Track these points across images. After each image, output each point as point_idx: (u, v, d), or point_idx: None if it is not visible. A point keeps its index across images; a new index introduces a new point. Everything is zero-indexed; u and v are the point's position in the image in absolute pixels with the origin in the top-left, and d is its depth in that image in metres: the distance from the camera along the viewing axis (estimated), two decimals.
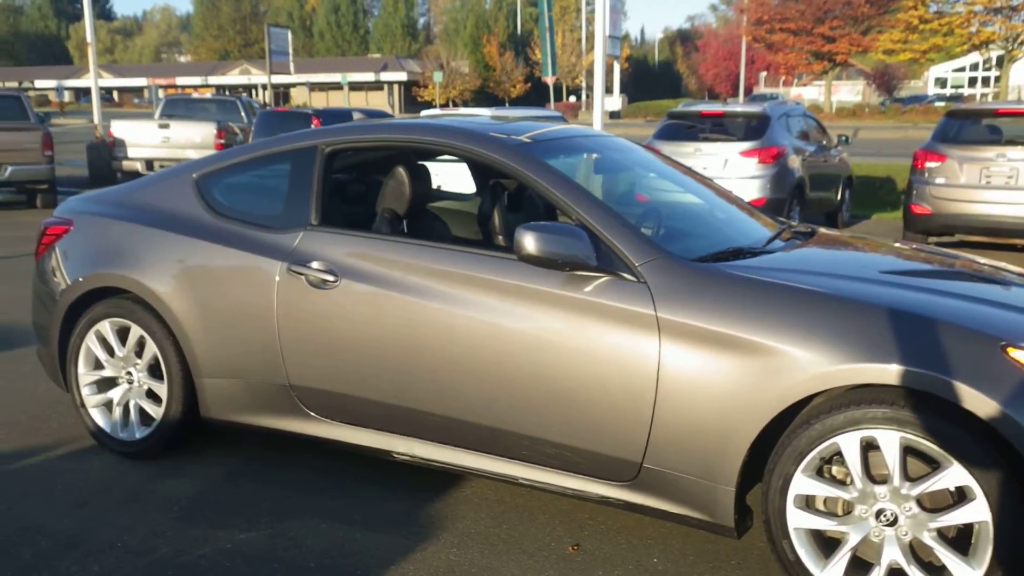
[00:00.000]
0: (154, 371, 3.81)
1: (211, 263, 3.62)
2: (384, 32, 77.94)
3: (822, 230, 3.88)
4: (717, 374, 2.75)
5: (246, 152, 3.84)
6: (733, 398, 2.73)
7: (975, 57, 56.25)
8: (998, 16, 39.45)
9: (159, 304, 3.66)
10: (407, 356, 3.23)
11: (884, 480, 2.63)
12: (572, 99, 49.32)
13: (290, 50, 37.98)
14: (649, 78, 78.62)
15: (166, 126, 15.04)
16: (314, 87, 58.93)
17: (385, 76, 65.13)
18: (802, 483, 2.71)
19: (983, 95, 65.54)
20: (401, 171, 3.64)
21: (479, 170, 4.72)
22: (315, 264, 3.39)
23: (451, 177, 6.62)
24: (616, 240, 2.98)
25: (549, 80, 23.01)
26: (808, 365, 2.63)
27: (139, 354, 3.83)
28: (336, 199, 3.88)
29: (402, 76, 64.73)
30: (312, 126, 12.96)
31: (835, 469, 2.74)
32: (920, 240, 9.61)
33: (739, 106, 11.28)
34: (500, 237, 4.24)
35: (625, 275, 2.93)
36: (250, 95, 31.06)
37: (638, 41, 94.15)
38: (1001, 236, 9.33)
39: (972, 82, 70.83)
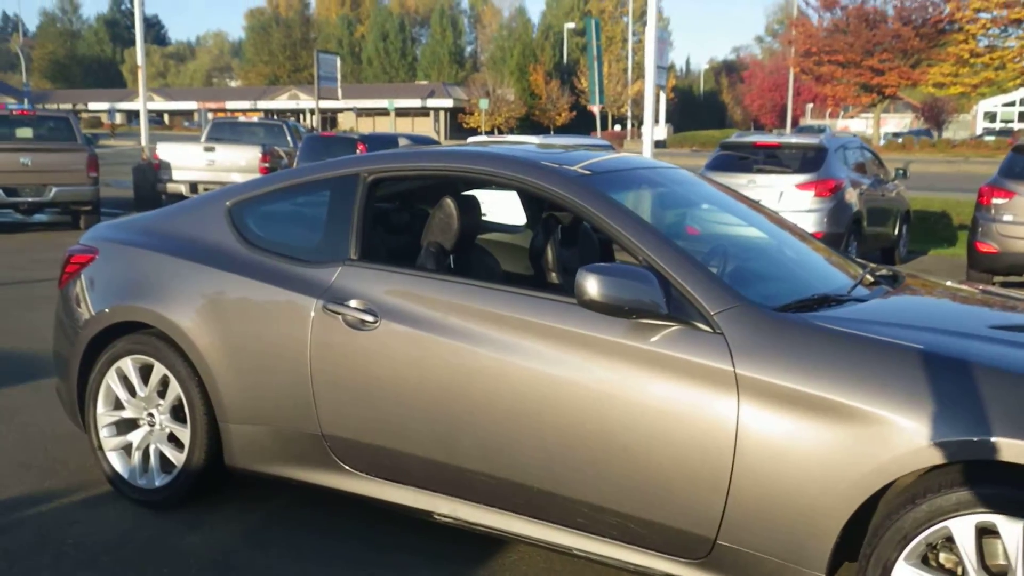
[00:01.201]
0: (177, 414, 3.53)
1: (241, 298, 3.34)
2: (431, 59, 78.59)
3: (907, 274, 3.50)
4: (806, 441, 2.40)
5: (283, 179, 3.57)
6: (824, 470, 2.37)
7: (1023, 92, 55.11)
8: None
9: (184, 341, 3.38)
10: (453, 408, 2.90)
11: (1002, 573, 2.25)
12: (617, 128, 49.11)
13: (338, 76, 38.24)
14: (694, 108, 78.25)
15: (211, 149, 15.01)
16: (361, 112, 59.45)
17: (431, 103, 65.56)
18: (905, 572, 2.34)
19: None
20: (449, 202, 3.33)
21: (531, 201, 4.41)
22: (353, 303, 3.09)
23: (496, 206, 6.33)
24: (689, 285, 2.64)
25: (596, 109, 22.77)
26: (917, 435, 2.28)
27: (162, 395, 3.55)
28: (377, 231, 3.58)
29: (448, 103, 65.11)
30: (358, 151, 12.81)
31: (943, 556, 2.37)
32: (985, 280, 9.13)
33: (795, 137, 10.89)
34: (553, 274, 3.93)
35: (699, 325, 2.59)
36: (298, 120, 31.25)
37: (683, 72, 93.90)
38: None
39: (1022, 116, 69.32)
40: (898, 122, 66.28)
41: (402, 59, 79.67)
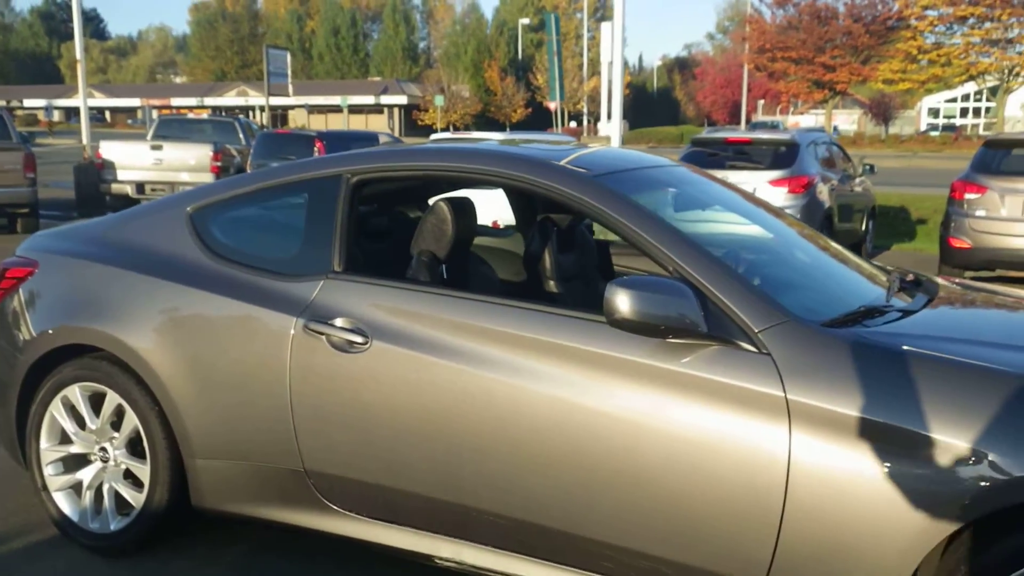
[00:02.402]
0: (135, 448, 3.11)
1: (207, 317, 2.93)
2: (384, 55, 77.58)
3: (937, 279, 3.22)
4: (870, 476, 2.10)
5: (252, 181, 3.16)
6: (893, 509, 2.06)
7: (966, 88, 56.39)
8: (995, 48, 39.46)
9: (142, 366, 2.97)
10: (457, 439, 2.55)
11: None
12: (573, 124, 48.91)
13: (289, 72, 37.50)
14: (648, 105, 78.48)
15: (159, 147, 14.34)
16: (313, 109, 58.49)
17: (385, 99, 64.71)
18: None
19: (974, 125, 65.64)
20: (443, 207, 2.97)
21: (522, 203, 4.05)
22: (339, 321, 2.71)
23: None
24: (728, 298, 2.32)
25: (554, 105, 22.50)
26: (1009, 467, 1.99)
27: (116, 427, 3.13)
28: (361, 239, 3.20)
29: (402, 99, 64.33)
30: (315, 149, 12.32)
31: None
32: (957, 275, 9.04)
33: (767, 133, 10.71)
34: (551, 283, 3.58)
35: (742, 344, 2.28)
36: (248, 117, 30.40)
37: (636, 68, 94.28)
38: None
39: (964, 112, 70.96)
40: (846, 118, 67.26)
41: (354, 55, 78.51)
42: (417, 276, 2.92)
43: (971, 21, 39.16)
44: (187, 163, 14.14)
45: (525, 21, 69.12)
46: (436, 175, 2.94)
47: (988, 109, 64.46)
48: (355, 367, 2.67)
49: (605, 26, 13.83)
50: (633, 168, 2.97)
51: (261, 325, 2.83)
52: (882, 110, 60.90)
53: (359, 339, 2.67)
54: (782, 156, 9.76)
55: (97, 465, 3.19)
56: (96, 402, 3.15)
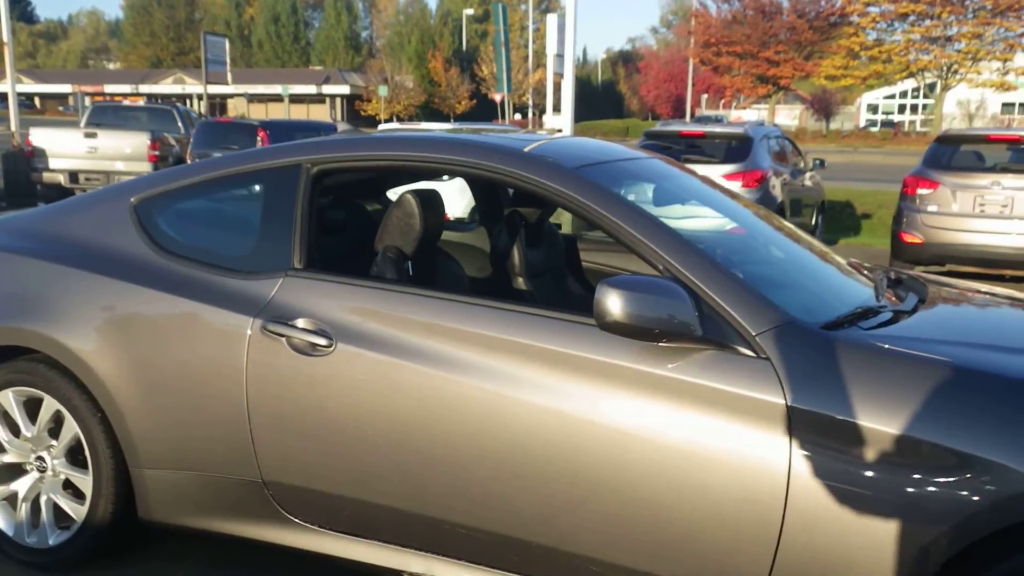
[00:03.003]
0: (75, 457, 2.88)
1: (155, 317, 2.72)
2: (326, 44, 76.30)
3: (922, 276, 3.15)
4: (878, 489, 1.98)
5: (202, 171, 2.94)
6: (901, 523, 1.97)
7: (904, 85, 57.81)
8: (934, 45, 40.45)
9: (82, 369, 2.74)
10: (429, 449, 2.39)
11: None
12: (518, 116, 48.77)
13: (227, 59, 36.55)
14: (593, 98, 78.66)
15: (93, 135, 13.78)
16: (253, 98, 57.26)
17: (327, 89, 63.68)
18: None
19: (911, 122, 67.35)
20: (410, 199, 2.79)
21: (486, 196, 3.90)
22: (300, 322, 2.53)
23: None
24: (723, 299, 2.19)
25: (500, 96, 22.31)
26: None
27: (55, 434, 2.90)
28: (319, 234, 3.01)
29: (345, 89, 63.37)
30: (258, 139, 11.96)
31: None
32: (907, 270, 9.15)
33: (720, 126, 10.71)
34: (520, 279, 3.44)
35: (739, 348, 2.15)
36: (185, 105, 29.50)
37: (580, 62, 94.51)
38: (995, 267, 8.94)
39: (902, 109, 72.78)
40: (788, 113, 68.37)
41: (295, 43, 77.05)
42: (383, 273, 2.74)
43: (911, 18, 40.05)
44: (123, 152, 13.62)
45: (469, 12, 68.69)
46: (404, 165, 2.75)
47: (925, 106, 66.19)
48: (318, 371, 2.49)
49: (551, 18, 13.75)
50: (610, 160, 2.83)
51: (214, 326, 2.63)
52: (823, 106, 62.08)
53: (322, 341, 2.49)
54: (735, 150, 9.75)
55: (33, 475, 2.95)
56: (32, 408, 2.91)
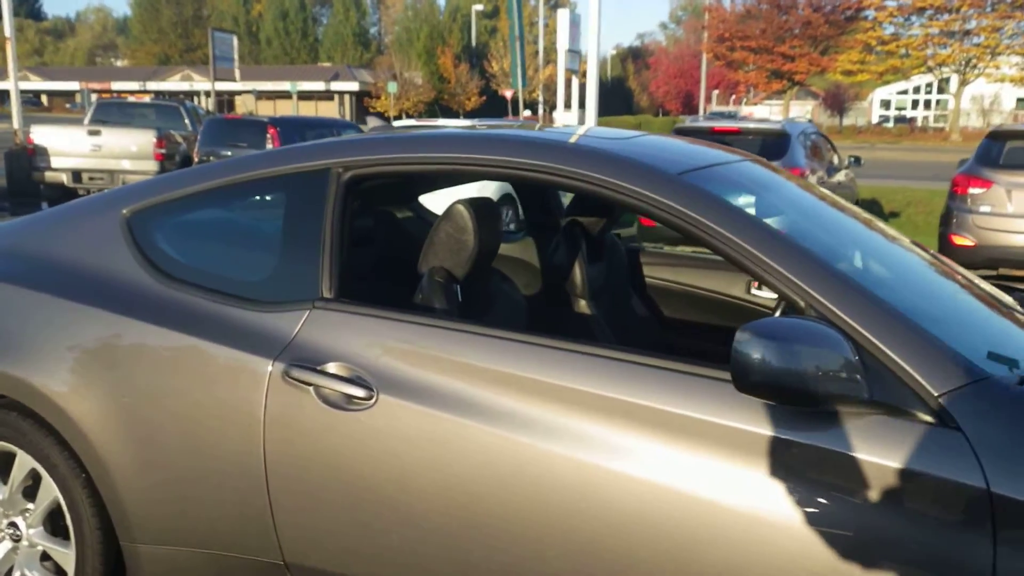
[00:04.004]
0: (55, 525, 2.37)
1: (151, 358, 2.20)
2: (335, 40, 75.70)
3: None
4: None
5: (208, 177, 2.42)
6: None
7: (917, 80, 57.14)
8: (953, 40, 39.81)
9: (62, 421, 2.23)
10: (497, 532, 1.87)
11: None
12: (528, 112, 48.21)
13: (236, 56, 36.15)
14: (602, 94, 77.39)
15: (97, 132, 13.27)
16: (261, 95, 56.67)
17: (336, 86, 63.07)
18: None
19: (924, 117, 66.60)
20: (463, 211, 2.27)
21: (536, 201, 3.38)
22: (332, 367, 2.01)
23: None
24: (891, 346, 1.66)
25: (511, 93, 21.80)
26: None
27: (30, 496, 2.39)
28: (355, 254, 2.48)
29: (353, 86, 62.76)
30: (267, 137, 11.45)
31: None
32: None
33: (754, 123, 10.19)
34: (582, 302, 2.92)
35: (916, 413, 1.62)
36: (193, 102, 28.97)
37: (587, 58, 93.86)
38: None
39: (915, 104, 71.95)
40: (800, 109, 67.68)
41: (303, 40, 76.48)
42: (430, 302, 2.22)
43: (929, 12, 39.41)
44: (128, 150, 13.12)
45: (479, 7, 67.99)
46: (460, 169, 2.21)
47: (939, 101, 65.41)
48: (355, 429, 1.97)
49: (561, 13, 13.39)
50: (710, 164, 2.28)
51: (224, 371, 2.11)
52: (836, 101, 61.35)
53: (360, 392, 1.97)
54: (772, 147, 9.24)
55: (6, 545, 2.44)
56: (4, 465, 2.40)
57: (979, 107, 59.08)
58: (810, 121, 11.97)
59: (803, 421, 1.66)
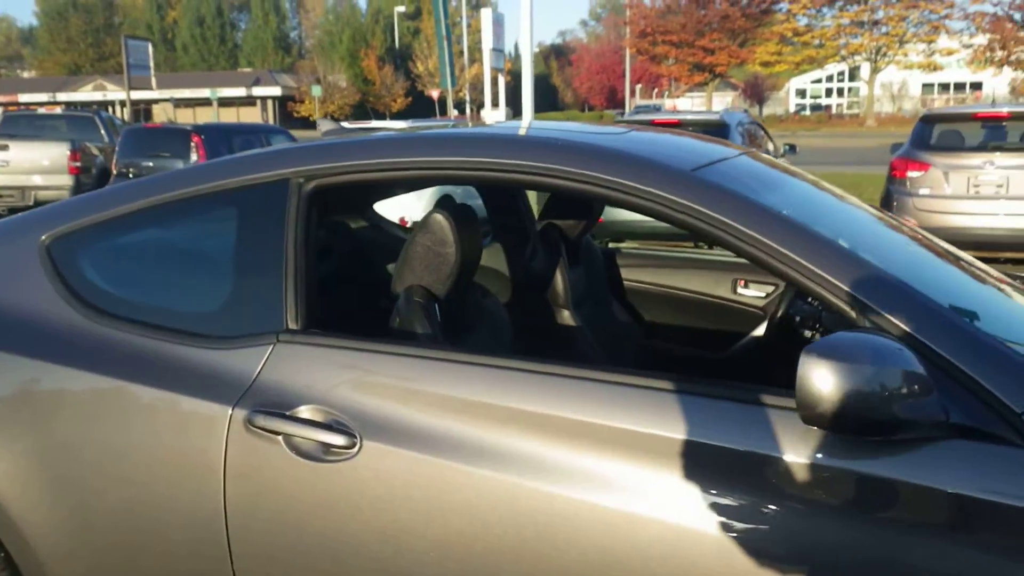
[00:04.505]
0: None
1: (82, 409, 1.88)
2: (254, 45, 73.99)
3: None
4: None
5: (143, 193, 2.08)
6: None
7: (830, 69, 58.76)
8: (863, 29, 41.01)
9: None
10: None
11: None
12: (455, 113, 47.87)
13: (151, 64, 35.07)
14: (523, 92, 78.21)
15: (5, 147, 12.48)
16: (180, 103, 55.01)
17: (258, 91, 61.68)
18: None
19: (838, 105, 68.46)
20: (442, 220, 1.99)
21: (503, 202, 3.12)
22: (305, 411, 1.72)
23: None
24: (966, 362, 1.45)
25: (438, 93, 21.50)
26: None
27: None
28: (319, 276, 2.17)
29: (276, 91, 61.46)
30: (192, 145, 10.91)
31: None
32: None
33: (692, 114, 10.11)
34: (566, 312, 2.68)
35: (997, 432, 1.41)
36: (109, 112, 27.81)
37: (512, 55, 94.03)
38: (992, 250, 8.49)
39: (829, 92, 73.84)
40: (720, 100, 68.88)
41: (221, 45, 74.56)
42: (410, 325, 1.94)
43: (840, 3, 40.51)
44: (40, 164, 12.39)
45: (401, 9, 67.33)
46: (441, 173, 1.92)
47: (851, 89, 67.28)
48: (336, 484, 1.68)
49: (485, 12, 13.30)
50: (718, 159, 2.04)
51: (174, 423, 1.80)
52: (756, 92, 62.54)
53: (341, 440, 1.68)
54: (711, 136, 9.18)
55: None
56: None
57: (889, 93, 60.95)
58: (745, 111, 11.96)
59: (857, 447, 1.44)
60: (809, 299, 2.67)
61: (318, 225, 2.79)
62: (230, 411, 1.76)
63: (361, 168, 1.91)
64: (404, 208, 9.71)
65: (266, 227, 1.90)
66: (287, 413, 1.73)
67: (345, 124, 10.58)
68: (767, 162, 2.34)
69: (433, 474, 1.63)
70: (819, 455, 1.45)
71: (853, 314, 1.52)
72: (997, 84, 48.66)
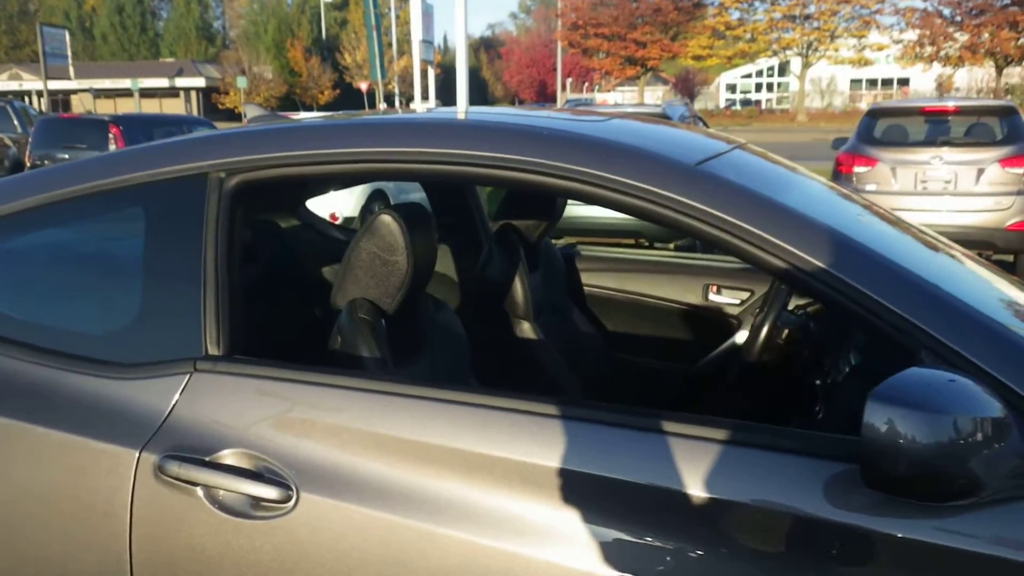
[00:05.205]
0: None
1: None
2: (176, 35, 71.71)
3: None
4: None
5: (26, 190, 1.74)
6: None
7: (760, 64, 59.73)
8: (795, 24, 41.74)
9: None
10: None
11: None
12: (384, 105, 47.18)
13: (69, 53, 33.74)
14: (456, 84, 77.70)
15: None
16: (99, 94, 52.99)
17: (181, 82, 59.79)
18: None
19: (767, 100, 69.67)
20: (391, 223, 1.70)
21: (451, 199, 2.84)
22: (228, 456, 1.42)
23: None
24: None
25: (367, 85, 20.99)
26: None
27: None
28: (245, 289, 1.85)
29: (200, 82, 59.67)
30: (110, 136, 10.31)
31: None
32: None
33: (634, 108, 9.97)
34: (525, 324, 2.42)
35: None
36: (24, 102, 26.51)
37: (442, 48, 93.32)
38: None
39: (759, 87, 75.08)
40: (651, 95, 69.39)
41: (142, 35, 72.07)
42: (353, 347, 1.65)
43: None
44: None
45: None
46: (391, 168, 1.62)
47: (780, 84, 68.46)
48: (269, 546, 1.39)
49: (414, 3, 13.02)
50: (719, 153, 1.76)
51: (65, 469, 1.48)
52: (687, 86, 63.16)
53: (273, 492, 1.39)
54: None
55: None
56: None
57: (818, 89, 62.27)
58: (686, 104, 11.86)
59: (923, 509, 1.19)
60: (795, 309, 2.46)
61: (243, 226, 2.49)
62: (136, 456, 1.44)
63: (294, 160, 1.60)
64: (334, 203, 9.28)
65: (180, 230, 1.59)
66: (207, 459, 1.42)
67: (272, 113, 10.12)
68: (765, 156, 2.08)
69: (387, 535, 1.35)
70: (875, 518, 1.19)
71: (910, 345, 1.27)
72: (924, 80, 49.97)
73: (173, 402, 1.47)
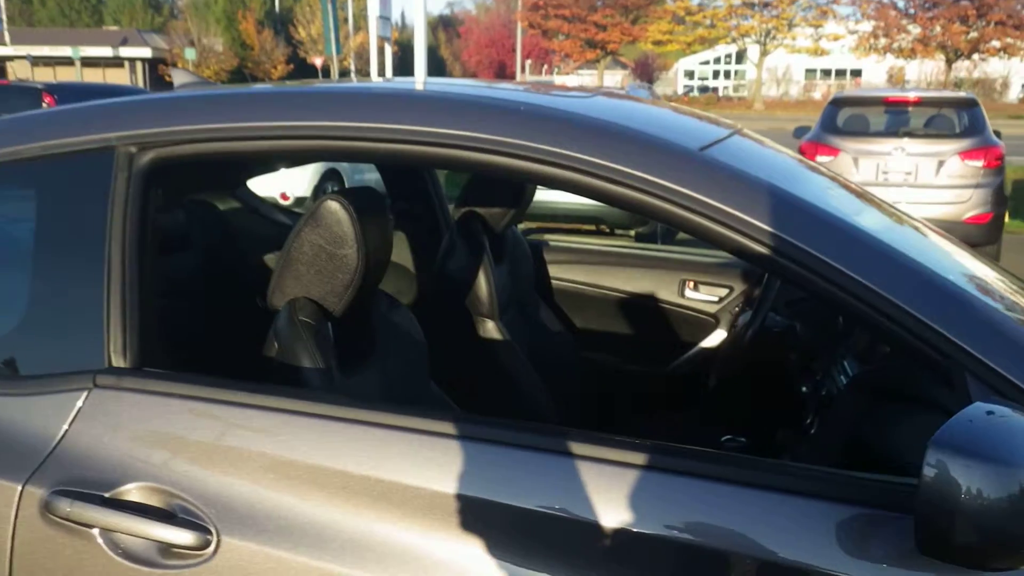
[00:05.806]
0: None
1: None
2: (121, 3, 69.63)
3: None
4: None
5: None
6: None
7: (718, 51, 60.11)
8: (754, 11, 42.00)
9: None
10: None
11: None
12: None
13: (3, 17, 32.45)
14: (415, 63, 76.93)
15: None
16: (37, 61, 51.13)
17: (125, 52, 57.99)
18: None
19: (725, 87, 70.18)
20: (338, 210, 1.44)
21: (408, 184, 2.59)
22: (133, 492, 1.17)
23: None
24: None
25: (322, 60, 20.46)
26: None
27: None
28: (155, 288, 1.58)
29: (146, 52, 57.96)
30: (44, 105, 9.78)
31: None
32: None
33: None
34: (489, 323, 2.20)
35: None
36: None
37: (399, 26, 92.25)
38: None
39: (716, 74, 75.53)
40: (610, 79, 69.36)
41: (84, 1, 70.04)
42: (292, 355, 1.40)
43: None
44: None
45: None
46: (337, 146, 1.36)
47: (737, 71, 68.95)
48: None
49: None
50: (722, 138, 1.51)
51: None
52: (646, 71, 63.23)
53: (188, 537, 1.14)
54: None
55: None
56: None
57: (774, 77, 62.81)
58: (649, 88, 11.69)
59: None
60: (779, 307, 2.26)
61: (175, 207, 2.21)
62: (19, 491, 1.18)
63: (221, 134, 1.33)
64: (285, 182, 8.82)
65: (80, 215, 1.31)
66: (107, 495, 1.17)
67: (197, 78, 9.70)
68: (765, 144, 1.84)
69: None
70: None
71: (953, 373, 1.06)
72: (877, 72, 50.64)
73: (66, 425, 1.21)
